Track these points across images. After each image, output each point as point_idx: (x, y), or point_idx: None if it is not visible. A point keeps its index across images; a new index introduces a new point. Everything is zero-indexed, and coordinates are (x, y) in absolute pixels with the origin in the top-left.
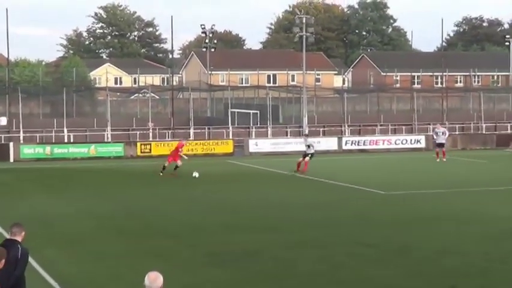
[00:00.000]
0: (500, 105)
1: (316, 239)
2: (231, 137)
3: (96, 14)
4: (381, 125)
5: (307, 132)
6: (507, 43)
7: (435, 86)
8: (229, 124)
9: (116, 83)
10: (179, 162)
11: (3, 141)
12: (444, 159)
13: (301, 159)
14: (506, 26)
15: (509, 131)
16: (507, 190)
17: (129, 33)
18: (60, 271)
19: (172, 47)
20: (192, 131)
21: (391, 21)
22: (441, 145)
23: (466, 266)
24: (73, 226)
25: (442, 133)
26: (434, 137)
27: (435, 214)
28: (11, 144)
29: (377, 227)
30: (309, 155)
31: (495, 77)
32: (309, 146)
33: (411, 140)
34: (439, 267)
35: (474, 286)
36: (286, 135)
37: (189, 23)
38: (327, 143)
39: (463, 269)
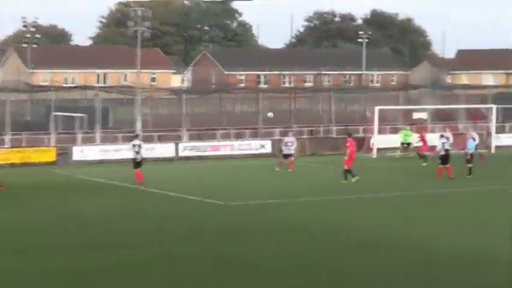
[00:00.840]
0: (353, 106)
1: (138, 256)
2: (53, 144)
3: None
4: (223, 129)
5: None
6: (360, 39)
7: (283, 85)
8: (52, 129)
9: None
10: None
11: None
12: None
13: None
14: (359, 21)
15: (361, 134)
16: (357, 199)
17: None
18: None
19: None
20: (8, 137)
21: (236, 15)
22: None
23: (325, 280)
24: None
25: (291, 143)
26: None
27: (279, 226)
28: None
29: (214, 240)
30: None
31: (347, 76)
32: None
33: (256, 145)
34: (290, 282)
35: None
36: (117, 141)
37: (7, 16)
38: (163, 149)
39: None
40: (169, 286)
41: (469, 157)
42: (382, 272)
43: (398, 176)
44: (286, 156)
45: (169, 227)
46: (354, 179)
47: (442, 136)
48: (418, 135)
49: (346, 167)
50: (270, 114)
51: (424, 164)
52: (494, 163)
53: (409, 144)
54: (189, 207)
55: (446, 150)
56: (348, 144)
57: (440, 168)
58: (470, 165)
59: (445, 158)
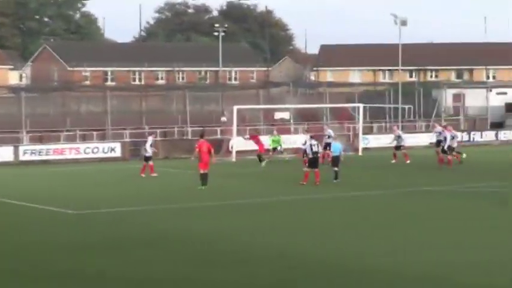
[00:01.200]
0: (209, 106)
1: None
2: None
3: None
4: (67, 131)
5: None
6: (216, 33)
7: (132, 83)
8: None
9: None
10: None
11: None
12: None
13: None
14: (215, 13)
15: (219, 136)
16: (217, 206)
17: None
18: None
19: None
20: None
21: (79, 5)
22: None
23: None
24: None
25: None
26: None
27: (133, 236)
28: None
29: (66, 252)
30: None
31: (202, 73)
32: None
33: (104, 148)
34: None
35: None
36: None
37: None
38: (1, 153)
39: None
40: None
41: (330, 159)
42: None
43: (259, 182)
44: (147, 159)
45: (18, 239)
46: (201, 187)
47: (311, 138)
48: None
49: (202, 171)
50: (224, 119)
51: (263, 165)
52: (362, 165)
53: (275, 149)
54: (34, 217)
55: (315, 153)
56: (196, 145)
57: (307, 172)
58: (336, 168)
59: (313, 162)
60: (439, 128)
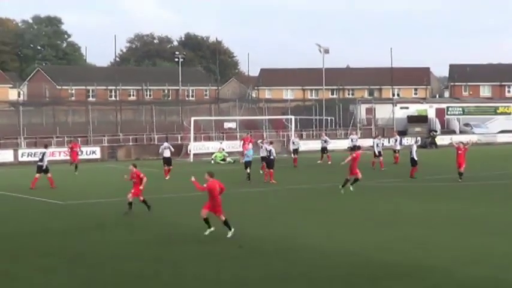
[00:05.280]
0: (171, 117)
1: None
2: None
3: None
4: (57, 137)
5: None
6: (176, 59)
7: (109, 99)
8: None
9: None
10: None
11: None
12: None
13: None
14: (175, 43)
15: (179, 142)
16: (181, 197)
17: None
18: None
19: None
20: None
21: (66, 36)
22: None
23: (139, 270)
24: None
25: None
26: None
27: (110, 220)
28: None
29: (55, 237)
30: None
31: (166, 91)
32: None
33: (87, 151)
34: (114, 272)
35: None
36: None
37: None
38: (3, 156)
39: (136, 272)
40: None
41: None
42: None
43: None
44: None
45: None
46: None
47: (270, 144)
48: None
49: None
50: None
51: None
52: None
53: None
54: (30, 206)
55: (269, 155)
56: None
57: (266, 172)
58: (247, 170)
59: (269, 163)
60: (354, 136)
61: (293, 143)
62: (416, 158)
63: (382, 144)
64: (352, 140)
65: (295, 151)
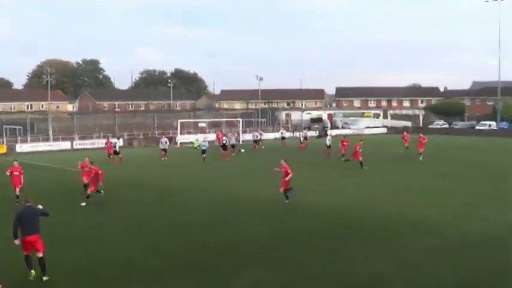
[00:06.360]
0: (166, 120)
1: None
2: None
3: None
4: (96, 134)
5: None
6: (169, 85)
7: (128, 109)
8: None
9: None
10: None
11: None
12: None
13: None
14: (168, 74)
15: (171, 135)
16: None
17: None
18: None
19: None
20: None
21: (102, 71)
22: None
23: None
24: None
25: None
26: None
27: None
28: None
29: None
30: None
31: (163, 104)
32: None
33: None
34: None
35: None
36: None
37: None
38: (65, 145)
39: None
40: None
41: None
42: None
43: (191, 158)
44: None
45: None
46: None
47: (225, 135)
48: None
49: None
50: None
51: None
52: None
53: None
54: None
55: (225, 144)
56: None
57: (224, 153)
58: (204, 155)
59: (225, 147)
60: (284, 131)
61: (256, 136)
62: (329, 144)
63: (306, 134)
64: (282, 133)
65: (256, 141)
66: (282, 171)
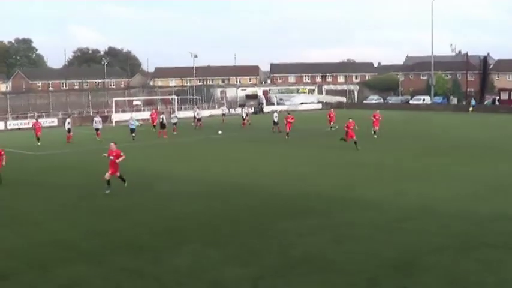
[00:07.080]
0: (101, 99)
1: None
2: None
3: None
4: (30, 114)
5: None
6: (103, 63)
7: (62, 88)
8: None
9: None
10: None
11: None
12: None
13: None
14: (102, 52)
15: (106, 114)
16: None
17: None
18: None
19: None
20: None
21: (35, 50)
22: None
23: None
24: None
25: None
26: None
27: (61, 165)
28: None
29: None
30: None
31: (97, 82)
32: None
33: (49, 121)
34: None
35: None
36: None
37: None
38: None
39: None
40: None
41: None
42: None
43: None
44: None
45: None
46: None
47: (162, 114)
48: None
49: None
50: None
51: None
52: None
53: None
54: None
55: (163, 121)
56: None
57: (160, 131)
58: (133, 134)
59: (163, 126)
60: (224, 108)
61: (198, 113)
62: (276, 120)
63: (248, 111)
64: (222, 110)
65: (199, 119)
66: (113, 155)
